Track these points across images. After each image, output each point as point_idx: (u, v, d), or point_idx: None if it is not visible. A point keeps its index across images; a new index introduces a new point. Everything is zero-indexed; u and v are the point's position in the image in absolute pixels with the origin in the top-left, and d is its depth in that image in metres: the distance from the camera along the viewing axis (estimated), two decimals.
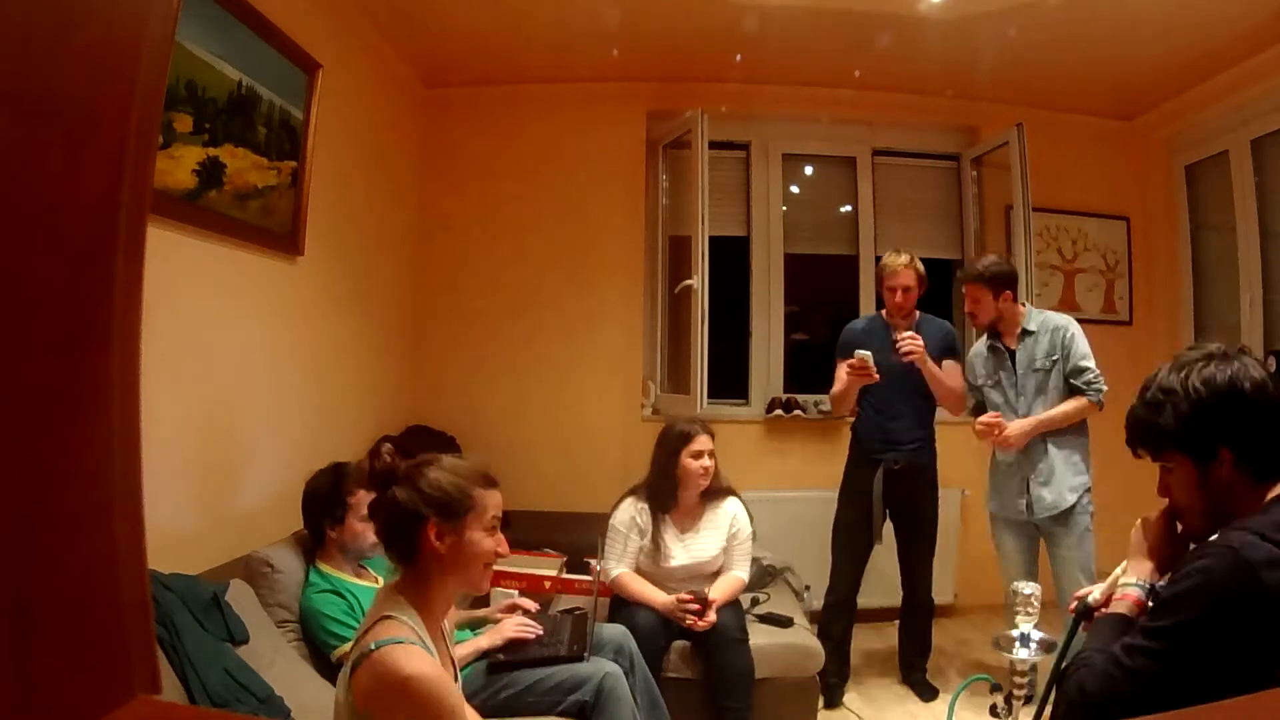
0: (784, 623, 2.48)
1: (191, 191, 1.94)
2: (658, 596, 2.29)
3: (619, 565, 2.38)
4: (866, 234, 3.83)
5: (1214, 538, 1.08)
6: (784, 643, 2.39)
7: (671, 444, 2.42)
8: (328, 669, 1.86)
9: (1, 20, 0.39)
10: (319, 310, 2.69)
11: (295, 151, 2.43)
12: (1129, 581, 1.26)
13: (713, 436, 2.43)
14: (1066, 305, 3.88)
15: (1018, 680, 1.93)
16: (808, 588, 3.30)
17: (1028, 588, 1.96)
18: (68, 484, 0.45)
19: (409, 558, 1.28)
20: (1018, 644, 1.93)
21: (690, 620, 2.22)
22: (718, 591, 2.33)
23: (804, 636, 2.43)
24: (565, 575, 2.70)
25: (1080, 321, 3.85)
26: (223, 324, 2.13)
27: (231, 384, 2.17)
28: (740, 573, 2.43)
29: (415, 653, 1.16)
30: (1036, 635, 1.94)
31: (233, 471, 2.18)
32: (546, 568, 2.73)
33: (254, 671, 1.59)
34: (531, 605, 2.24)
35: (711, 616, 2.23)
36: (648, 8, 3.07)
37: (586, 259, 3.67)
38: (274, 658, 1.73)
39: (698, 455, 2.37)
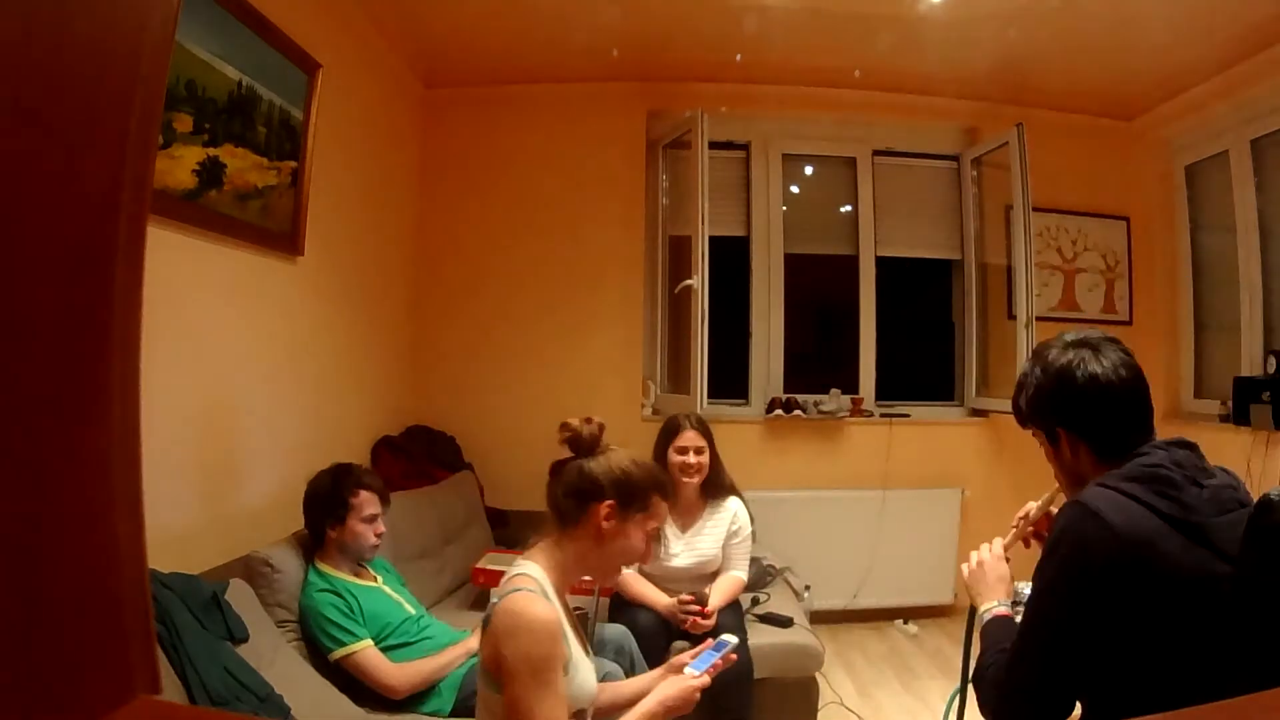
0: (784, 623, 2.48)
1: (191, 191, 1.94)
2: (659, 598, 2.29)
3: None
4: (866, 234, 3.84)
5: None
6: (784, 643, 2.39)
7: (662, 438, 2.44)
8: (327, 668, 1.86)
9: (1, 20, 0.39)
10: (319, 310, 2.69)
11: (295, 151, 2.43)
12: (989, 606, 1.31)
13: (704, 432, 2.43)
14: (1066, 305, 3.89)
15: None
16: (808, 588, 3.31)
17: (1027, 587, 1.96)
18: (68, 484, 0.45)
19: (570, 522, 1.33)
20: None
21: (690, 622, 2.22)
22: (717, 594, 2.33)
23: (804, 636, 2.43)
24: None
25: (1080, 321, 3.90)
26: (223, 324, 2.13)
27: (231, 384, 2.18)
28: (739, 572, 2.43)
29: (537, 599, 1.20)
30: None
31: (233, 471, 2.18)
32: None
33: (254, 670, 1.59)
34: None
35: (712, 619, 2.23)
36: (648, 8, 3.07)
37: (586, 259, 3.67)
38: (274, 656, 1.73)
39: (682, 451, 2.38)
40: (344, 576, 1.97)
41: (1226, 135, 3.46)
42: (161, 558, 1.58)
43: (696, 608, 2.23)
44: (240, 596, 1.78)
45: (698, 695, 1.37)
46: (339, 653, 1.84)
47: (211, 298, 2.08)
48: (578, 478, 1.33)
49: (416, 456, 3.23)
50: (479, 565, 2.69)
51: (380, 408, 3.26)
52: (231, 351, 2.17)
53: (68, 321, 0.45)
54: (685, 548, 2.41)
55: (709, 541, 2.43)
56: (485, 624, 1.23)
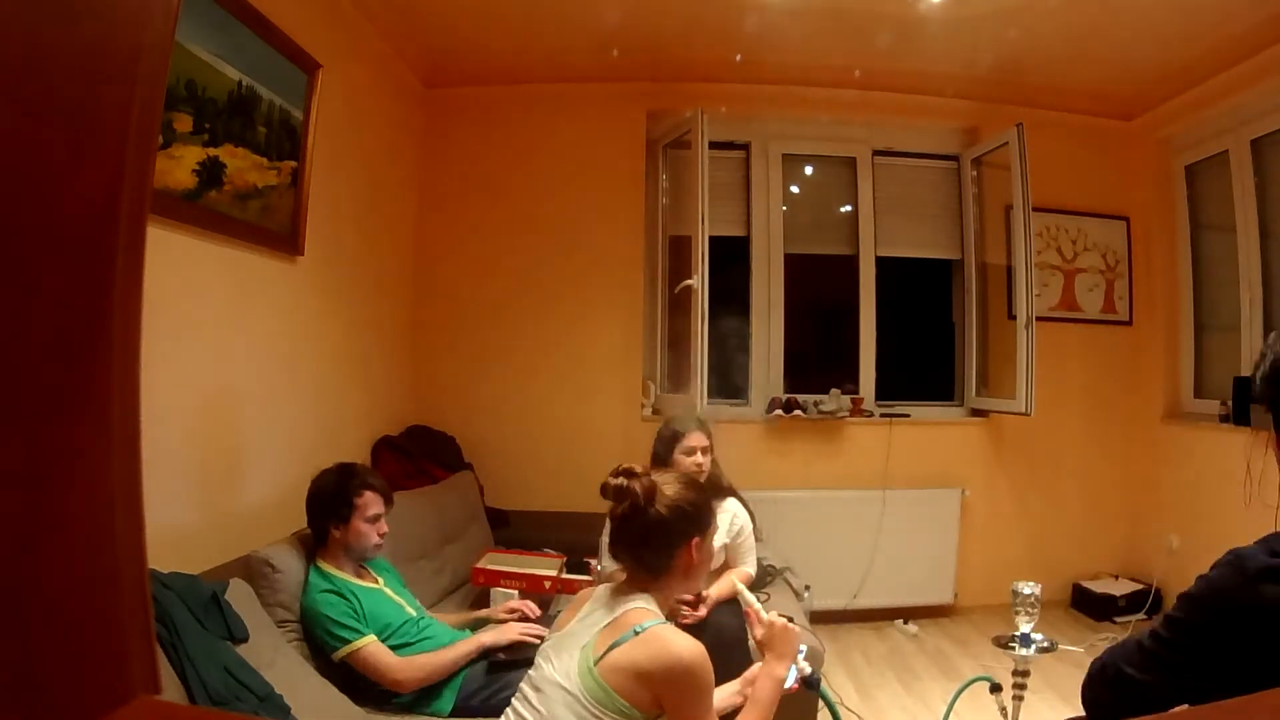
0: None
1: (191, 191, 1.94)
2: None
3: (609, 564, 2.39)
4: (866, 234, 3.84)
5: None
6: None
7: (665, 442, 2.43)
8: (330, 668, 1.86)
9: (2, 19, 0.39)
10: (319, 310, 2.69)
11: (295, 151, 2.43)
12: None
13: (708, 434, 2.42)
14: (1066, 305, 3.89)
15: (1018, 680, 1.93)
16: (808, 588, 3.30)
17: (1027, 587, 1.96)
18: (68, 484, 0.45)
19: (661, 571, 1.34)
20: (1018, 643, 1.93)
21: (684, 614, 2.21)
22: (715, 589, 2.32)
23: (804, 636, 2.42)
24: (565, 575, 2.70)
25: (1080, 322, 3.90)
26: (223, 324, 2.13)
27: (231, 384, 2.18)
28: (747, 568, 2.44)
29: (686, 635, 1.25)
30: (1037, 636, 1.94)
31: (233, 471, 2.18)
32: (546, 568, 2.73)
33: (254, 670, 1.59)
34: (535, 610, 2.23)
35: (702, 611, 2.22)
36: (648, 8, 3.07)
37: (586, 259, 3.67)
38: (274, 656, 1.73)
39: (690, 452, 2.37)
40: (346, 577, 1.97)
41: (1226, 135, 3.46)
42: (161, 558, 1.58)
43: (689, 596, 2.22)
44: (240, 596, 1.78)
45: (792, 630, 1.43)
46: (343, 651, 1.84)
47: (211, 298, 2.08)
48: (658, 532, 1.33)
49: (416, 456, 3.23)
50: (479, 565, 2.68)
51: (380, 408, 3.26)
52: (231, 352, 2.17)
53: (68, 321, 0.45)
54: None
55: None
56: (605, 650, 1.26)
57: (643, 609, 1.30)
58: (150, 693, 0.49)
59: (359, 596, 1.92)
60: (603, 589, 1.37)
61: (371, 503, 1.99)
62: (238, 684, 1.52)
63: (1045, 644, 1.94)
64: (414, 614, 2.04)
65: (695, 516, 1.35)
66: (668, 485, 1.35)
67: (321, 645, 1.88)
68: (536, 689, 1.31)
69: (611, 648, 1.25)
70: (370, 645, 1.85)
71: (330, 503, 1.97)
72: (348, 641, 1.84)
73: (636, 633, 1.25)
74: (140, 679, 0.49)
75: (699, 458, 2.37)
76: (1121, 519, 3.91)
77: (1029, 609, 1.96)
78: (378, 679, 1.84)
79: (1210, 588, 1.03)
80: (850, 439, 3.73)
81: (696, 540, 1.34)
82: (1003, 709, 2.02)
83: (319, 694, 1.76)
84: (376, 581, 2.05)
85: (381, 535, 2.02)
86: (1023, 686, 1.93)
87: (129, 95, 0.48)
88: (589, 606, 1.37)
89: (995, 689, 2.05)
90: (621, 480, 1.33)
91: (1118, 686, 1.10)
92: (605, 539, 2.41)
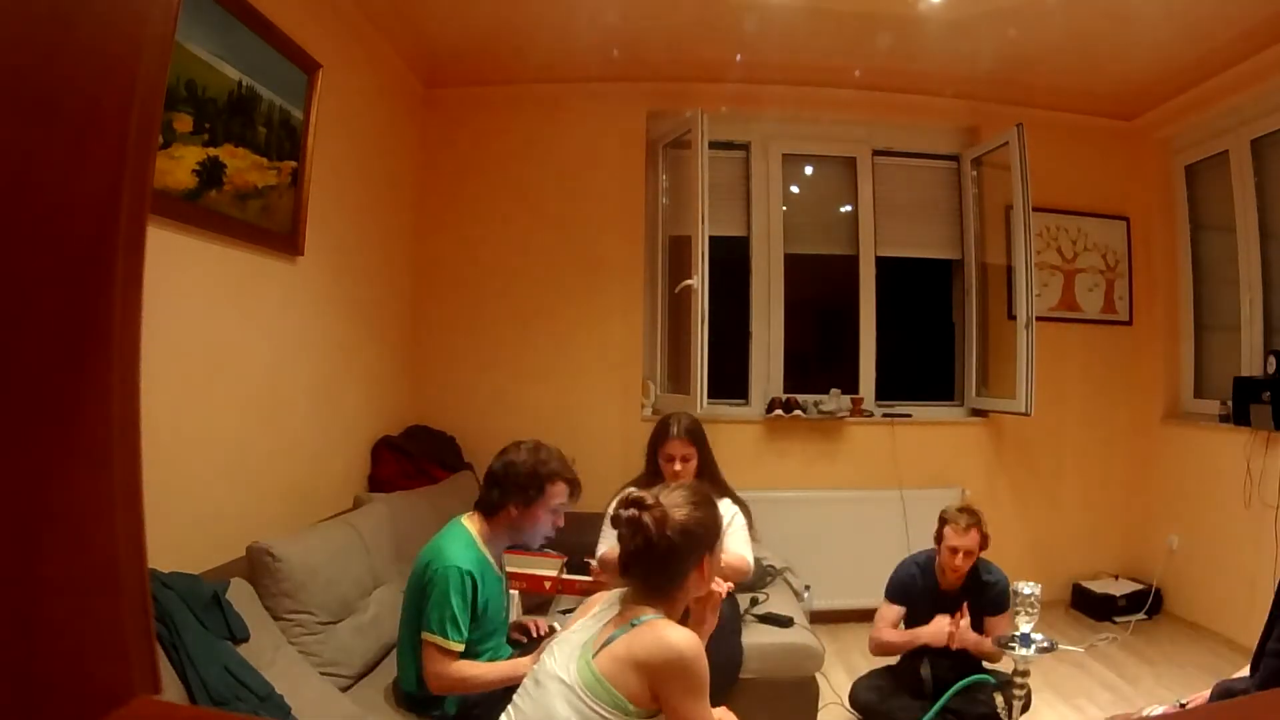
0: (784, 623, 2.48)
1: (191, 191, 1.94)
2: None
3: (601, 548, 2.39)
4: (866, 234, 3.84)
5: None
6: (784, 642, 2.39)
7: (653, 441, 2.46)
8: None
9: (2, 20, 0.39)
10: (319, 310, 2.69)
11: (295, 151, 2.43)
12: None
13: (693, 439, 2.40)
14: (1066, 305, 3.89)
15: (1018, 680, 1.93)
16: (808, 588, 3.31)
17: (1027, 587, 1.96)
18: (68, 483, 0.46)
19: (676, 589, 1.36)
20: (1018, 644, 1.93)
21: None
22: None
23: (804, 636, 2.43)
24: (565, 575, 2.70)
25: (1080, 322, 3.90)
26: (223, 324, 2.13)
27: (231, 384, 2.17)
28: (742, 551, 2.33)
29: (682, 628, 1.28)
30: (1037, 636, 1.94)
31: (233, 471, 2.18)
32: (546, 568, 2.73)
33: (254, 669, 1.60)
34: (543, 627, 2.20)
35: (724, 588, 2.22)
36: (648, 8, 3.07)
37: (586, 259, 3.67)
38: (274, 655, 1.73)
39: (669, 460, 2.38)
40: (488, 556, 1.91)
41: (1226, 135, 3.47)
42: (162, 557, 1.58)
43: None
44: (241, 596, 1.78)
45: None
46: (433, 638, 1.77)
47: (211, 298, 2.08)
48: (671, 559, 1.33)
49: (416, 456, 3.23)
50: None
51: (380, 408, 3.26)
52: (231, 351, 2.17)
53: (68, 321, 0.45)
54: None
55: None
56: (611, 638, 1.27)
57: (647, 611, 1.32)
58: (150, 693, 0.49)
59: (485, 586, 1.84)
60: (617, 594, 1.38)
61: (560, 493, 1.95)
62: (238, 684, 1.52)
63: (1045, 644, 1.94)
64: (506, 621, 2.02)
65: (704, 535, 1.36)
66: (677, 510, 1.34)
67: (421, 609, 1.80)
68: (537, 683, 1.33)
69: (609, 640, 1.26)
70: (451, 651, 1.78)
71: (522, 480, 1.90)
72: (445, 635, 1.76)
73: (633, 625, 1.26)
74: (140, 679, 0.49)
75: (677, 466, 2.37)
76: (1121, 519, 3.91)
77: (1029, 609, 1.96)
78: (426, 676, 1.79)
79: None
80: (850, 439, 3.73)
81: (707, 557, 1.36)
82: (1003, 709, 2.02)
83: (319, 694, 1.76)
84: (503, 576, 2.01)
85: (556, 528, 1.98)
86: (1022, 686, 1.93)
87: (129, 95, 0.48)
88: (599, 608, 1.38)
89: (996, 688, 2.05)
90: (634, 512, 1.32)
91: None
92: (607, 527, 2.41)
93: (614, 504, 2.42)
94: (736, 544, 2.41)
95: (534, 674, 1.36)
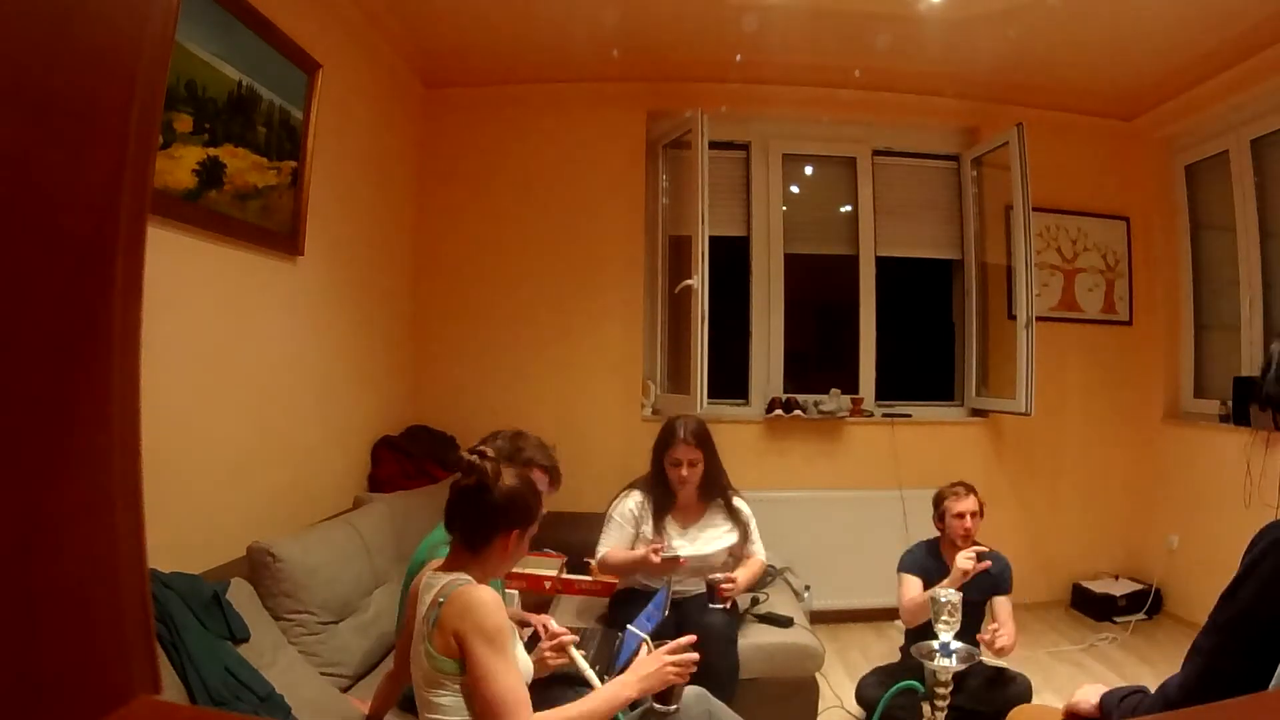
0: (784, 623, 2.48)
1: (191, 191, 1.94)
2: (639, 554, 2.30)
3: (602, 549, 2.41)
4: (866, 234, 3.84)
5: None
6: (784, 643, 2.39)
7: (659, 444, 2.46)
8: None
9: (1, 19, 0.39)
10: (319, 310, 2.69)
11: (295, 151, 2.43)
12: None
13: (700, 442, 2.41)
14: (1066, 305, 3.89)
15: (939, 690, 1.89)
16: (808, 588, 3.31)
17: (944, 595, 1.93)
18: (68, 483, 0.45)
19: (481, 547, 1.43)
20: (939, 653, 1.90)
21: (723, 586, 2.25)
22: (742, 574, 2.37)
23: (804, 636, 2.43)
24: (565, 575, 2.70)
25: (1080, 322, 3.90)
26: (222, 324, 2.13)
27: (231, 384, 2.17)
28: (760, 556, 2.50)
29: (483, 586, 1.34)
30: (956, 644, 1.90)
31: (233, 470, 2.18)
32: (546, 568, 2.73)
33: (254, 669, 1.60)
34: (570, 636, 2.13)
35: (736, 585, 2.28)
36: (648, 8, 3.07)
37: (586, 259, 3.67)
38: (275, 656, 1.73)
39: (675, 464, 2.39)
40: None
41: (1226, 135, 3.47)
42: (162, 557, 1.58)
43: (659, 546, 2.26)
44: (241, 596, 1.78)
45: (670, 671, 1.50)
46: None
47: (211, 298, 2.08)
48: (490, 512, 1.42)
49: (416, 456, 3.23)
50: None
51: (380, 408, 3.26)
52: (231, 352, 2.17)
53: (68, 321, 0.45)
54: (688, 544, 2.41)
55: (709, 539, 2.43)
56: (432, 618, 1.31)
57: (457, 579, 1.36)
58: (150, 693, 0.49)
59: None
60: (428, 578, 1.42)
61: (538, 481, 1.86)
62: (238, 684, 1.52)
63: (965, 653, 1.89)
64: None
65: (525, 511, 1.43)
66: (509, 476, 1.43)
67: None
68: (417, 694, 1.37)
69: (434, 624, 1.31)
70: None
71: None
72: None
73: (441, 602, 1.31)
74: (140, 679, 0.49)
75: (684, 471, 2.38)
76: (1121, 519, 3.91)
77: (948, 617, 1.91)
78: None
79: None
80: (850, 439, 3.73)
81: (517, 532, 1.43)
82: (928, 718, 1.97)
83: (319, 694, 1.76)
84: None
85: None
86: (944, 698, 1.89)
87: (129, 95, 0.48)
88: (420, 601, 1.40)
89: (925, 696, 2.00)
90: (475, 458, 1.41)
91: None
92: (608, 527, 2.42)
93: (614, 505, 2.44)
94: (759, 547, 2.50)
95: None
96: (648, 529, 2.41)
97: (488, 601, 1.29)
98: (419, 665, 1.34)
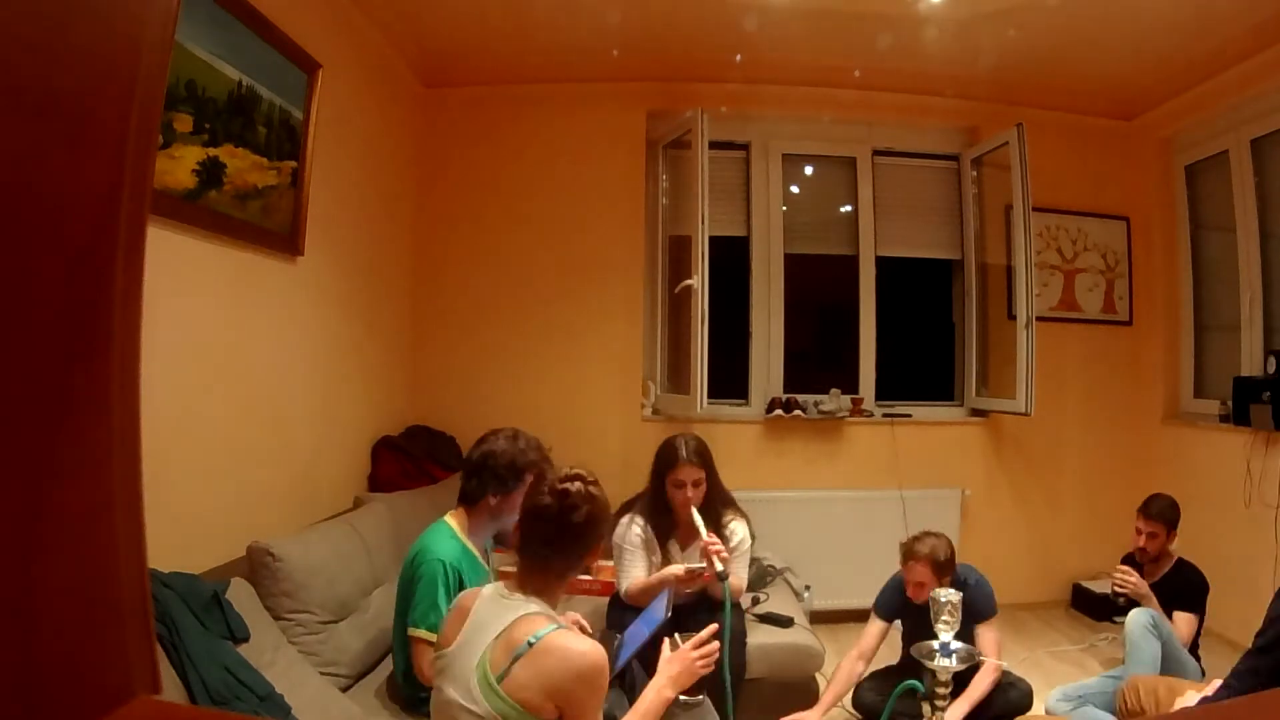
0: (784, 623, 2.48)
1: (191, 191, 1.94)
2: (668, 573, 2.24)
3: (627, 580, 2.37)
4: (866, 234, 3.84)
5: None
6: (784, 643, 2.39)
7: (660, 464, 2.40)
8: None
9: (2, 19, 0.39)
10: (319, 310, 2.69)
11: (295, 151, 2.43)
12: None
13: (702, 462, 2.36)
14: (1066, 305, 3.89)
15: (939, 691, 1.89)
16: (808, 588, 3.31)
17: (945, 595, 1.92)
18: (67, 484, 0.45)
19: (566, 573, 1.39)
20: (938, 653, 1.89)
21: (720, 552, 2.16)
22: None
23: (804, 636, 2.43)
24: None
25: (1080, 322, 3.90)
26: (223, 324, 2.13)
27: (231, 384, 2.17)
28: (737, 579, 2.38)
29: (584, 638, 1.29)
30: (956, 645, 1.90)
31: (233, 470, 2.18)
32: None
33: (254, 669, 1.60)
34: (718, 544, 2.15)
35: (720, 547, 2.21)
36: (648, 8, 3.07)
37: (586, 259, 3.67)
38: (275, 655, 1.73)
39: (679, 485, 2.32)
40: (471, 548, 1.89)
41: (1226, 135, 3.47)
42: (162, 557, 1.58)
43: (715, 547, 2.16)
44: (241, 596, 1.78)
45: (699, 664, 1.47)
46: (419, 632, 1.77)
47: (211, 298, 2.08)
48: (579, 536, 1.37)
49: (416, 456, 3.23)
50: None
51: (380, 408, 3.26)
52: (231, 352, 2.17)
53: (68, 321, 0.45)
54: (687, 563, 2.39)
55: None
56: (513, 660, 1.23)
57: (536, 615, 1.28)
58: (150, 693, 0.49)
59: (466, 575, 1.81)
60: (487, 591, 1.35)
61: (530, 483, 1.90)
62: (238, 683, 1.52)
63: (965, 653, 1.88)
64: None
65: (604, 527, 1.40)
66: (594, 488, 1.38)
67: (404, 607, 1.81)
68: (443, 714, 1.28)
69: (512, 663, 1.23)
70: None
71: (501, 469, 1.89)
72: (431, 629, 1.73)
73: (530, 644, 1.23)
74: (140, 679, 0.49)
75: (689, 491, 2.31)
76: (1121, 519, 3.90)
77: (948, 617, 1.90)
78: (416, 670, 1.79)
79: None
80: (850, 439, 3.73)
81: (596, 548, 1.40)
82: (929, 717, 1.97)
83: (319, 693, 1.76)
84: (488, 565, 1.97)
85: None
86: (944, 698, 1.88)
87: (129, 95, 0.48)
88: (475, 617, 1.32)
89: (925, 697, 2.00)
90: (578, 485, 1.34)
91: None
92: (616, 558, 2.38)
93: (618, 534, 2.39)
94: (741, 568, 2.42)
95: (435, 704, 1.31)
96: (657, 557, 2.37)
97: (604, 669, 1.25)
98: (462, 683, 1.25)
